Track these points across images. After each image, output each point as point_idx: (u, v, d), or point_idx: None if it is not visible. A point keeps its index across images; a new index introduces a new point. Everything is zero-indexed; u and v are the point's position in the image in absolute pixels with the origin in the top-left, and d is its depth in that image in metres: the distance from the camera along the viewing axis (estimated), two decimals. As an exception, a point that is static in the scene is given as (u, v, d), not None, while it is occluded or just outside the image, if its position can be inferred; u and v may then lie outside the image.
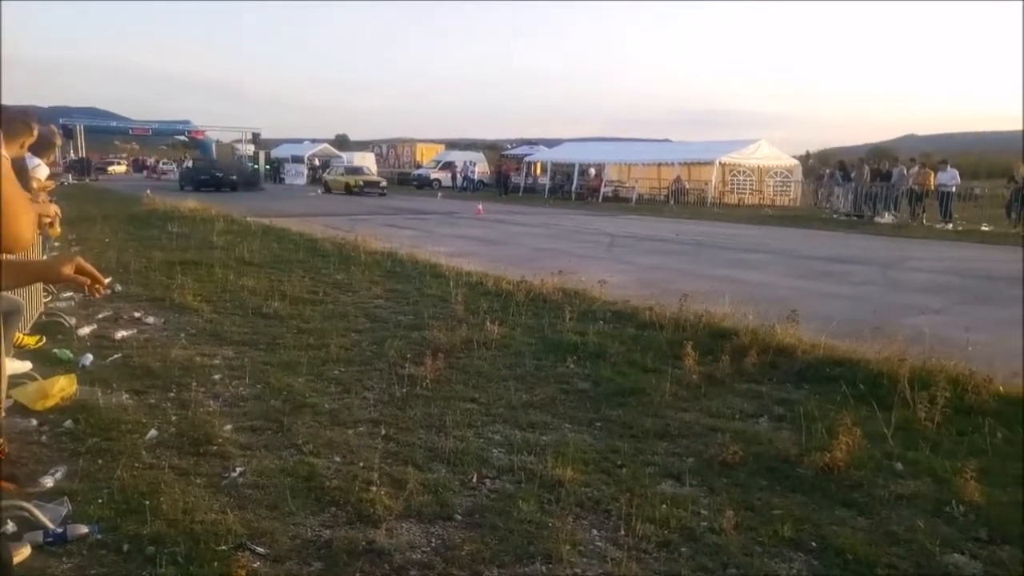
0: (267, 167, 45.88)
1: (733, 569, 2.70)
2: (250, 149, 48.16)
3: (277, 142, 66.47)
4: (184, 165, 39.89)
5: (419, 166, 49.10)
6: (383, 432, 3.90)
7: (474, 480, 3.36)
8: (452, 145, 65.66)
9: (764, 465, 3.57)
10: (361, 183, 34.83)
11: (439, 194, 35.32)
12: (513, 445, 3.77)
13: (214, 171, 35.55)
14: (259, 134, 53.36)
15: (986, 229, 18.80)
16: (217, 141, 54.61)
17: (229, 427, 3.91)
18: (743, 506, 3.15)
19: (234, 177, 35.24)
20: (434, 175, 42.80)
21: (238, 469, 3.38)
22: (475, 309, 6.75)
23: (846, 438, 3.54)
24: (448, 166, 43.54)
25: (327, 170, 42.19)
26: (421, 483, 3.26)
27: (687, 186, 31.15)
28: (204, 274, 8.71)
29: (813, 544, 2.88)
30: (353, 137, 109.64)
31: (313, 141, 60.55)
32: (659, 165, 34.26)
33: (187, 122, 55.93)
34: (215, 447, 3.62)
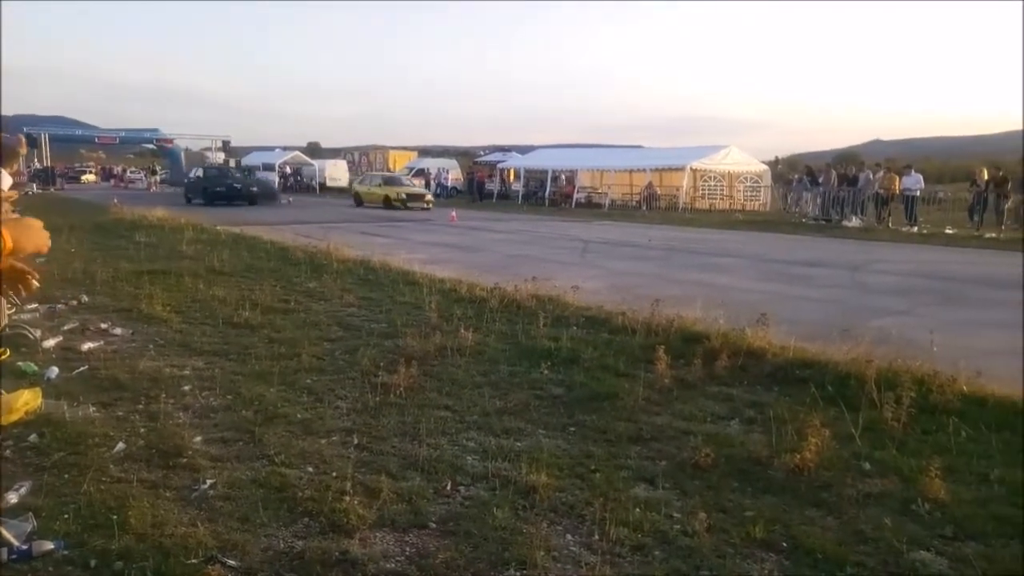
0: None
1: (706, 571, 2.72)
2: (220, 157, 47.68)
3: (248, 150, 65.87)
4: (193, 174, 33.84)
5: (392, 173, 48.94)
6: (356, 441, 3.88)
7: (448, 488, 3.35)
8: (425, 152, 65.60)
9: (736, 467, 3.62)
10: (404, 196, 28.62)
11: (412, 201, 35.05)
12: (487, 452, 3.77)
13: (230, 182, 30.33)
14: (229, 142, 52.92)
15: (950, 232, 19.22)
16: (186, 149, 53.94)
17: (199, 439, 3.86)
18: (715, 508, 3.18)
19: (254, 189, 30.26)
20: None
21: (208, 481, 3.34)
22: (449, 316, 6.74)
23: (815, 439, 3.60)
24: (421, 173, 43.45)
25: (359, 180, 35.46)
26: (395, 492, 3.25)
27: (659, 192, 31.44)
28: (173, 284, 8.60)
29: (784, 544, 2.92)
30: (325, 144, 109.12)
31: (284, 149, 60.14)
32: (631, 171, 34.54)
33: (155, 130, 55.30)
34: (185, 459, 3.57)
